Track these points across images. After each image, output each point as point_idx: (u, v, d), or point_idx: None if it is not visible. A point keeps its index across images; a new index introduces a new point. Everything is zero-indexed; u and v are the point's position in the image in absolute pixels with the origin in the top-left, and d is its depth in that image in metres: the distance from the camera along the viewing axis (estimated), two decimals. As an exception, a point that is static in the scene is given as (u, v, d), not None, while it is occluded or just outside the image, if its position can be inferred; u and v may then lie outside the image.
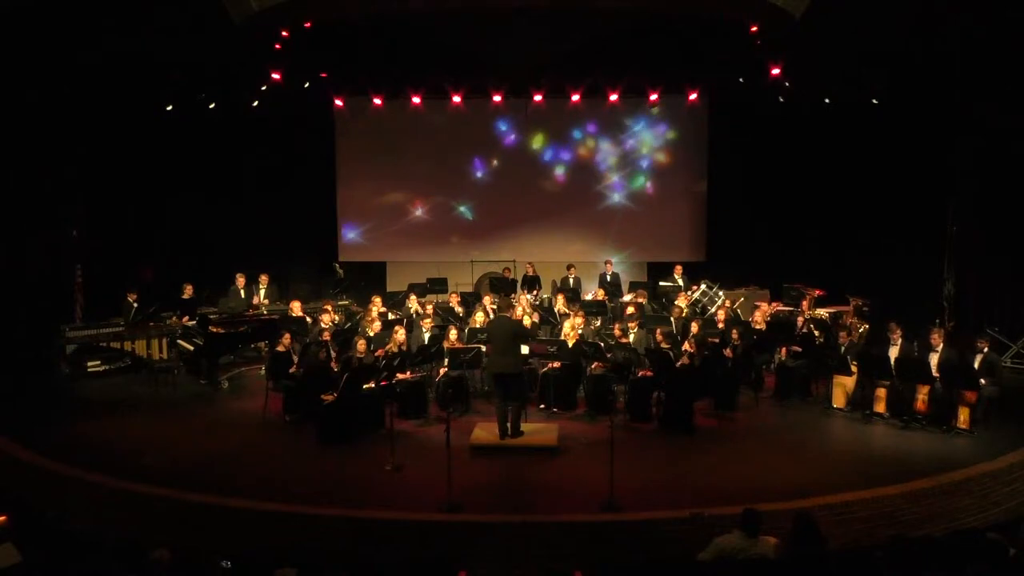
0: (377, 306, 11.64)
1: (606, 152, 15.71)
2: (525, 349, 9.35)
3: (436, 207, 15.96)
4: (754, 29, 12.19)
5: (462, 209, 15.88)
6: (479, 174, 15.83)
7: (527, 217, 15.86)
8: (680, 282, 13.28)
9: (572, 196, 15.83)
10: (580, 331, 9.99)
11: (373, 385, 9.01)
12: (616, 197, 15.79)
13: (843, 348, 9.89)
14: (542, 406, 9.74)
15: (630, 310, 11.24)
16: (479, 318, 10.71)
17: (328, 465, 8.05)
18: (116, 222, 13.22)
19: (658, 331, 10.01)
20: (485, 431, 8.71)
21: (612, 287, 13.45)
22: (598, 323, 11.63)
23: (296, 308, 11.55)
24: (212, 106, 13.43)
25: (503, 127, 15.59)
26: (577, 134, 15.65)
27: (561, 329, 10.43)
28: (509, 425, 8.51)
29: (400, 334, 9.75)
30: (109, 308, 12.14)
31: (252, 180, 14.67)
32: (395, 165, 15.83)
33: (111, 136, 12.86)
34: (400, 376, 9.39)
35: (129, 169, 13.28)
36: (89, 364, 11.40)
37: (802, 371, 10.14)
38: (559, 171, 15.82)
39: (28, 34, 10.79)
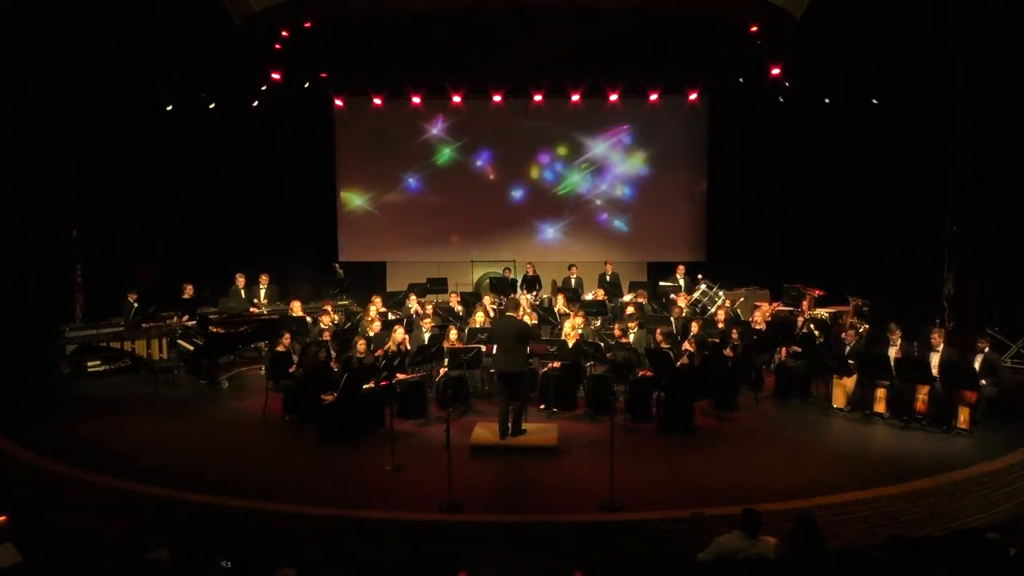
0: (377, 306, 11.64)
1: (605, 152, 15.71)
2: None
3: (436, 206, 15.97)
4: (754, 29, 12.19)
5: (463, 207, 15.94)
6: (479, 174, 15.87)
7: (527, 217, 15.88)
8: (681, 282, 13.27)
9: (571, 196, 15.84)
10: (580, 331, 10.00)
11: (373, 385, 9.01)
12: (616, 197, 15.80)
13: (848, 348, 9.79)
14: (542, 406, 9.73)
15: (630, 310, 11.24)
16: (479, 318, 10.72)
17: (328, 465, 8.04)
18: (116, 222, 13.22)
19: (658, 331, 10.00)
20: (485, 431, 8.71)
21: (612, 287, 13.45)
22: (598, 323, 11.63)
23: (296, 308, 11.55)
24: (212, 106, 13.43)
25: (503, 128, 15.59)
26: (577, 134, 15.65)
27: (561, 329, 10.43)
28: (510, 424, 8.52)
29: (400, 334, 9.75)
30: (109, 308, 12.13)
31: (252, 180, 14.66)
32: (395, 165, 15.85)
33: (111, 136, 12.85)
34: (400, 376, 9.39)
35: (129, 169, 13.28)
36: (89, 364, 11.41)
37: (802, 371, 10.14)
38: (559, 171, 15.82)
39: (28, 33, 10.79)
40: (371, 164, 15.87)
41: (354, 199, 15.96)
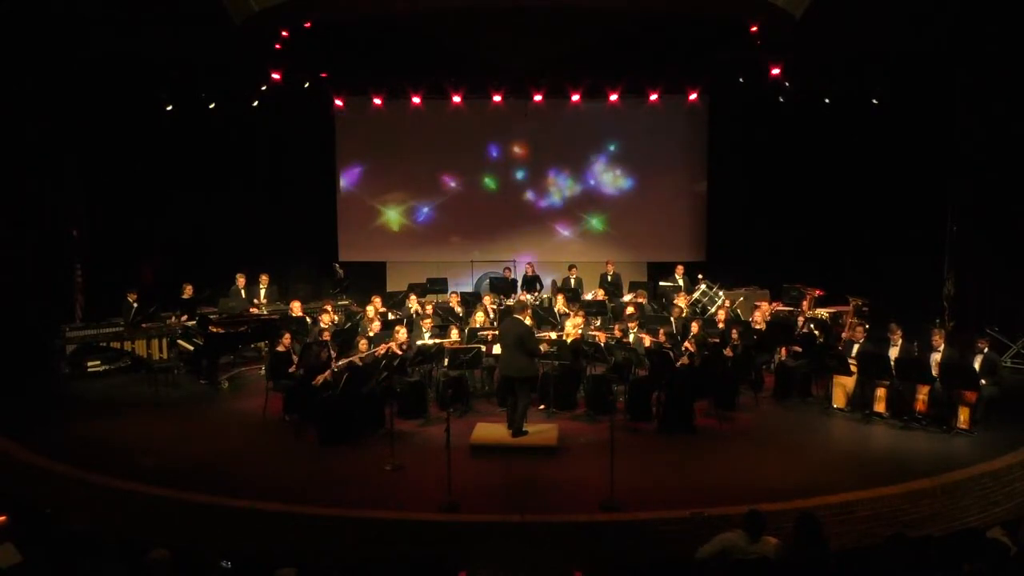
0: (377, 306, 11.64)
1: (605, 152, 15.71)
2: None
3: (436, 206, 15.96)
4: (754, 29, 12.19)
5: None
6: (479, 174, 15.87)
7: (527, 217, 15.87)
8: (680, 282, 13.27)
9: (572, 196, 15.84)
10: (580, 331, 9.99)
11: (373, 385, 9.00)
12: (616, 197, 15.80)
13: (856, 348, 9.65)
14: (542, 406, 9.72)
15: (630, 310, 11.24)
16: (479, 318, 10.71)
17: (328, 465, 8.04)
18: (116, 221, 13.21)
19: (646, 336, 9.99)
20: (485, 431, 8.71)
21: (613, 287, 13.45)
22: (598, 323, 11.62)
23: (296, 308, 11.55)
24: (212, 106, 13.43)
25: (503, 128, 15.57)
26: (577, 134, 15.63)
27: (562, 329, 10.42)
28: (512, 423, 8.53)
29: (401, 334, 9.74)
30: (109, 308, 12.12)
31: (252, 180, 14.67)
32: (395, 165, 15.84)
33: (111, 136, 12.85)
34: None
35: (129, 169, 13.27)
36: (89, 364, 11.40)
37: (802, 371, 10.13)
38: (558, 171, 15.81)
39: (28, 32, 10.78)
40: (371, 164, 15.87)
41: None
